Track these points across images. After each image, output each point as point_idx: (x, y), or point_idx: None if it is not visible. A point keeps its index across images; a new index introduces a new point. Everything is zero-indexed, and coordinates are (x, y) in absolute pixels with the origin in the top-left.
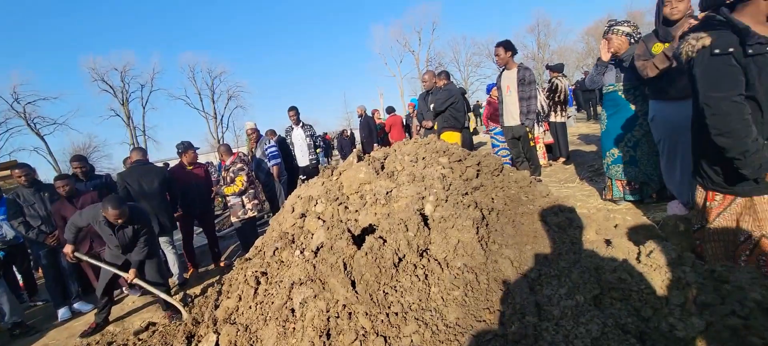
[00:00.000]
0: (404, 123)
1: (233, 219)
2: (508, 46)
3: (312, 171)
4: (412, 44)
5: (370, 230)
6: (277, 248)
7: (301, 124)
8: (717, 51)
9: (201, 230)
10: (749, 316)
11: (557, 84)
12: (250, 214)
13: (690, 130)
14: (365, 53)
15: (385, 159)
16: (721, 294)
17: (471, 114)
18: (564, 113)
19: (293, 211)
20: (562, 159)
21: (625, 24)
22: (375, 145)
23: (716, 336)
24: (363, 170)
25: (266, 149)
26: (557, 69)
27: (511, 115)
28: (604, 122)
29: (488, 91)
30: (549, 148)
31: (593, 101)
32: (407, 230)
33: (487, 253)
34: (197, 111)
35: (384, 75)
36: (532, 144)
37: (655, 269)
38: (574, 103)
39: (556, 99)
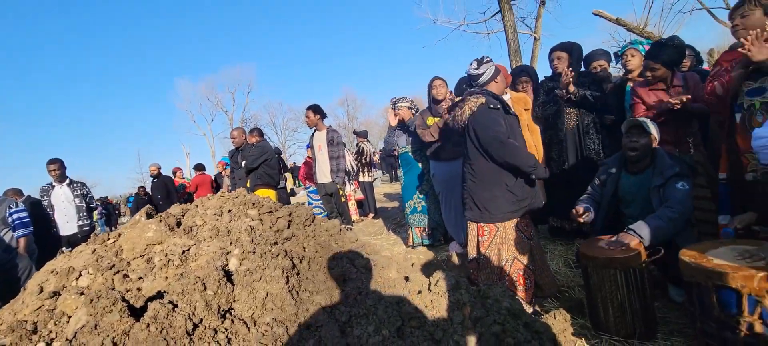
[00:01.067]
0: (214, 183)
1: None
2: (316, 109)
3: (82, 240)
4: (226, 104)
5: (158, 298)
6: None
7: (68, 181)
8: (491, 106)
9: None
10: (504, 322)
11: (363, 147)
12: None
13: (460, 184)
14: (168, 108)
15: (183, 215)
16: (486, 308)
17: (288, 174)
18: (371, 174)
19: (41, 291)
20: (371, 215)
21: (404, 99)
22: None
23: (486, 343)
24: (152, 228)
25: (10, 214)
26: (362, 135)
27: (324, 173)
28: (402, 179)
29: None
30: (360, 204)
31: (394, 165)
32: (205, 288)
33: (298, 302)
34: None
35: (192, 133)
36: (343, 200)
37: (441, 295)
38: (380, 166)
39: (363, 160)
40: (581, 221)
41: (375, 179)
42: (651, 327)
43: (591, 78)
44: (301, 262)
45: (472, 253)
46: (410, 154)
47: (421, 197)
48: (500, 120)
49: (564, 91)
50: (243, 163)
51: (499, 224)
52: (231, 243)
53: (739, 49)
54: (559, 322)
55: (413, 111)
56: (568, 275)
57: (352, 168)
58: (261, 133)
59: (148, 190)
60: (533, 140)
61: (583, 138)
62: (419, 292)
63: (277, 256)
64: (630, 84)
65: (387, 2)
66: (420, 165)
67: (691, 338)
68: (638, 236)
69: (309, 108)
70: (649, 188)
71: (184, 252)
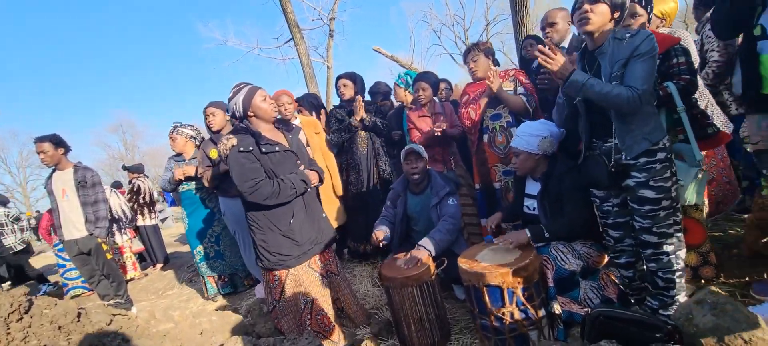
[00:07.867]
0: None
1: None
2: (56, 141)
3: None
4: None
5: None
6: None
7: None
8: (241, 149)
9: None
10: None
11: (139, 185)
12: None
13: None
14: None
15: None
16: None
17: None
18: (153, 215)
19: None
20: (159, 265)
21: (189, 127)
22: None
23: None
24: None
25: None
26: (137, 170)
27: (74, 225)
28: (186, 221)
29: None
30: (142, 256)
31: None
32: None
33: None
34: None
35: None
36: (109, 256)
37: None
38: (175, 200)
39: (141, 201)
40: (381, 245)
41: (166, 219)
42: (446, 331)
43: (374, 107)
44: None
45: (269, 301)
46: (194, 191)
47: (211, 240)
48: (250, 168)
49: (358, 118)
50: None
51: (289, 269)
52: None
53: (484, 81)
54: None
55: (196, 143)
56: (377, 295)
57: (125, 214)
58: None
59: None
60: (328, 165)
61: (377, 160)
62: None
63: None
64: (406, 109)
65: (164, 19)
66: (209, 203)
67: (475, 332)
68: (427, 249)
69: (43, 140)
70: (429, 206)
71: None
